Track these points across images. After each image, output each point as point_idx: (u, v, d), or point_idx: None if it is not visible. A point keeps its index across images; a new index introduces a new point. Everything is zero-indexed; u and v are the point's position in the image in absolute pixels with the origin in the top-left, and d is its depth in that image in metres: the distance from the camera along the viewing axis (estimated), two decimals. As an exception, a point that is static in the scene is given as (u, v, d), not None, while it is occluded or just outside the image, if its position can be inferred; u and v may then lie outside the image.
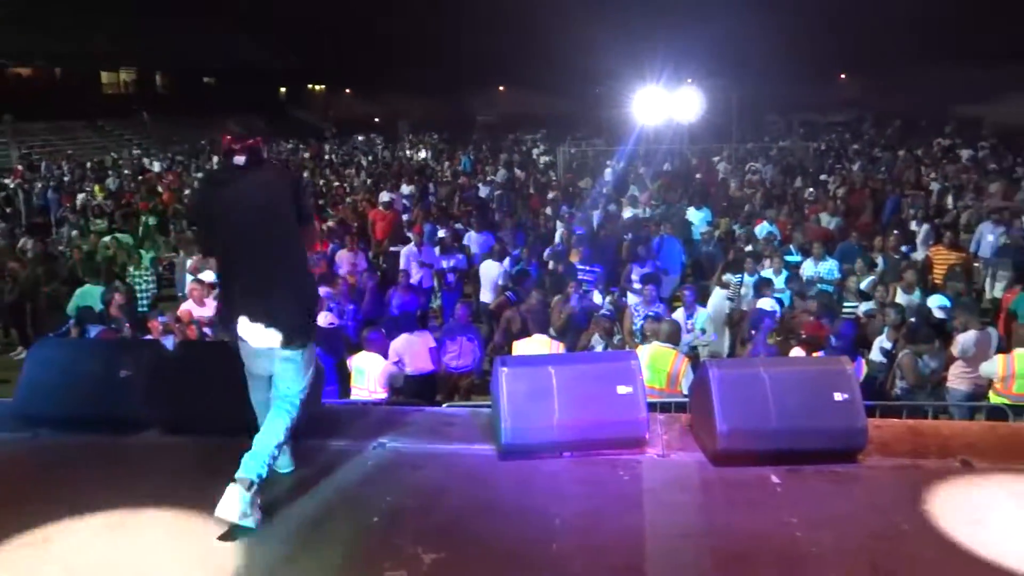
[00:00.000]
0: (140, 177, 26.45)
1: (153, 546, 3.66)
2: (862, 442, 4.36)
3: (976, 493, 4.07)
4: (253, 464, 3.75)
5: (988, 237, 12.25)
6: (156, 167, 29.84)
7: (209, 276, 9.56)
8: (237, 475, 3.69)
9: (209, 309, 9.46)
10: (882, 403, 6.73)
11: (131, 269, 12.08)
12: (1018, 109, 33.05)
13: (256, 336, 3.94)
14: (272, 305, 3.90)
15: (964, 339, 7.60)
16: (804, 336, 7.87)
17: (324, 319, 9.06)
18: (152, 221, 17.18)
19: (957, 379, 7.62)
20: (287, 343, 3.94)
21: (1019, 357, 7.01)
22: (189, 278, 11.04)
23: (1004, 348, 7.59)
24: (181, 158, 33.75)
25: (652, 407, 5.89)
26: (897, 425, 5.05)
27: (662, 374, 7.12)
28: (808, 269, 10.65)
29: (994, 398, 7.10)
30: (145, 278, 11.98)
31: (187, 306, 9.47)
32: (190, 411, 4.78)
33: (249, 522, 3.65)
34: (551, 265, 11.74)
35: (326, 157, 34.73)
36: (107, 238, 14.36)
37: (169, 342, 7.62)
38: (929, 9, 43.54)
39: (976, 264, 12.09)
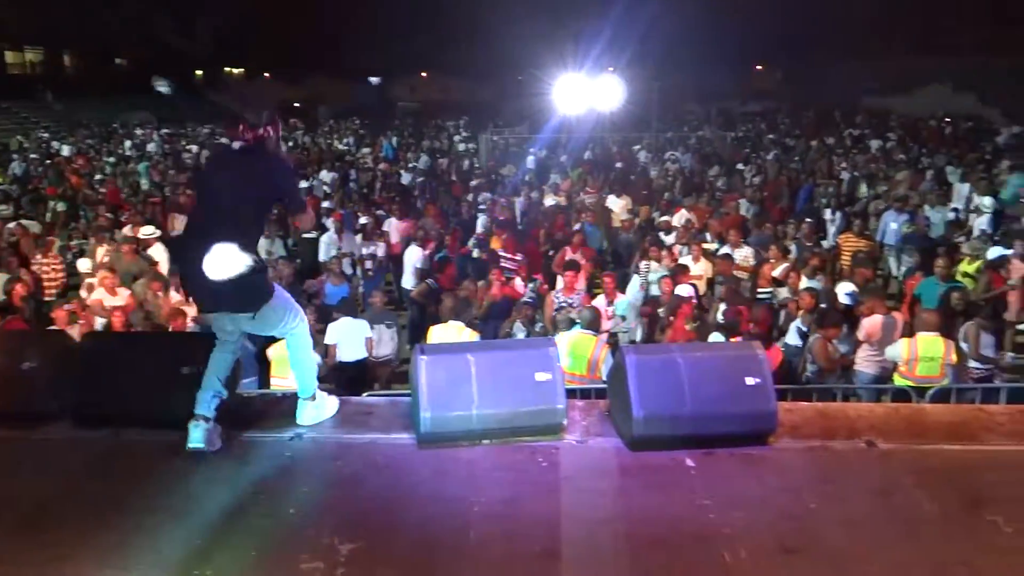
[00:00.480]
0: (48, 161, 25.42)
1: (62, 540, 3.55)
2: (773, 425, 4.48)
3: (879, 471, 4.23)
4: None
5: (892, 225, 12.71)
6: (65, 151, 28.71)
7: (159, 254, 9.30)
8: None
9: (121, 298, 9.19)
10: (793, 387, 6.93)
11: (38, 256, 11.63)
12: (923, 101, 34.32)
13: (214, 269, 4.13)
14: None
15: (869, 323, 7.87)
16: (722, 321, 8.06)
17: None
18: (61, 207, 16.58)
19: (864, 362, 7.89)
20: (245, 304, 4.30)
21: (922, 341, 7.29)
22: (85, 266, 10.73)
23: (909, 332, 7.88)
24: (92, 142, 32.55)
25: (573, 393, 5.97)
26: (806, 408, 5.20)
27: (583, 361, 7.19)
28: (724, 256, 10.85)
29: (899, 380, 7.37)
30: (53, 266, 11.55)
31: (98, 295, 9.18)
32: (98, 403, 4.64)
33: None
34: (474, 253, 11.75)
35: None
36: (12, 224, 13.80)
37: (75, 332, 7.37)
38: (842, 4, 44.83)
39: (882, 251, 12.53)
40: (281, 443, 4.56)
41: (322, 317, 8.84)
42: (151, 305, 9.11)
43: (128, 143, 31.63)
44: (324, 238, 12.24)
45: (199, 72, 59.13)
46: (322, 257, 11.94)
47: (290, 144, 33.57)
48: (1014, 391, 6.61)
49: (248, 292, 4.25)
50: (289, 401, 4.88)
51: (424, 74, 60.88)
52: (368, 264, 11.82)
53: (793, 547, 3.52)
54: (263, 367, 7.79)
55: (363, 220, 13.65)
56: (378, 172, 22.97)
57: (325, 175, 20.99)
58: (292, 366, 4.71)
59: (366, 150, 30.03)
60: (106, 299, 9.03)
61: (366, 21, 51.80)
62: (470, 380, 4.43)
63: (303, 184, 18.18)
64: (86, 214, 16.30)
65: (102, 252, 11.22)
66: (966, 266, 10.33)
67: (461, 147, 30.68)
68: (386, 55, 53.67)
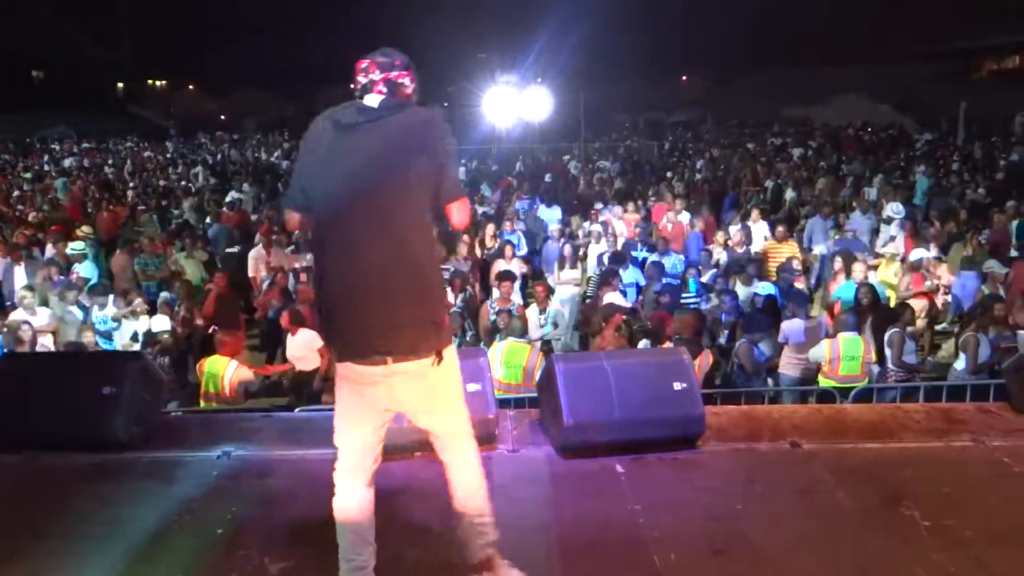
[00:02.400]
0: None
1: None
2: (700, 429, 4.57)
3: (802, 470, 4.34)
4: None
5: (817, 231, 13.06)
6: (-20, 167, 27.76)
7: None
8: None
9: (43, 318, 8.92)
10: (720, 391, 7.06)
11: (-50, 275, 11.17)
12: (842, 110, 35.39)
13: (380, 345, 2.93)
14: (403, 299, 2.88)
15: (789, 327, 8.06)
16: (651, 328, 8.17)
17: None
18: (-24, 224, 15.97)
19: (787, 365, 8.07)
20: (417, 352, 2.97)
21: (843, 341, 7.49)
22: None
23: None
24: (7, 157, 31.53)
25: (508, 403, 6.00)
26: (732, 411, 5.31)
27: (518, 369, 7.21)
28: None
29: (823, 381, 7.56)
30: (-35, 286, 11.11)
31: (18, 315, 8.88)
32: (15, 426, 4.49)
33: None
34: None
35: (169, 156, 33.24)
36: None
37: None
38: (763, 17, 46.08)
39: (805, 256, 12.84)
40: (208, 462, 4.48)
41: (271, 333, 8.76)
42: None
43: (47, 158, 30.70)
44: (252, 253, 12.03)
45: (120, 84, 57.81)
46: (251, 272, 11.74)
47: (218, 157, 33.06)
48: (931, 389, 6.84)
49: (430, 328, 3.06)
50: (217, 419, 4.81)
51: (352, 86, 60.45)
52: (303, 277, 11.67)
53: (721, 548, 3.60)
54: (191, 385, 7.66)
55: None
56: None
57: (248, 188, 20.62)
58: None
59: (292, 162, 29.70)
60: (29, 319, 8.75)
61: (292, 33, 51.32)
62: (400, 393, 4.41)
63: (231, 196, 17.91)
64: (2, 231, 15.74)
65: (20, 271, 10.86)
66: (883, 270, 10.68)
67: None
68: (315, 65, 53.15)
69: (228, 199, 17.22)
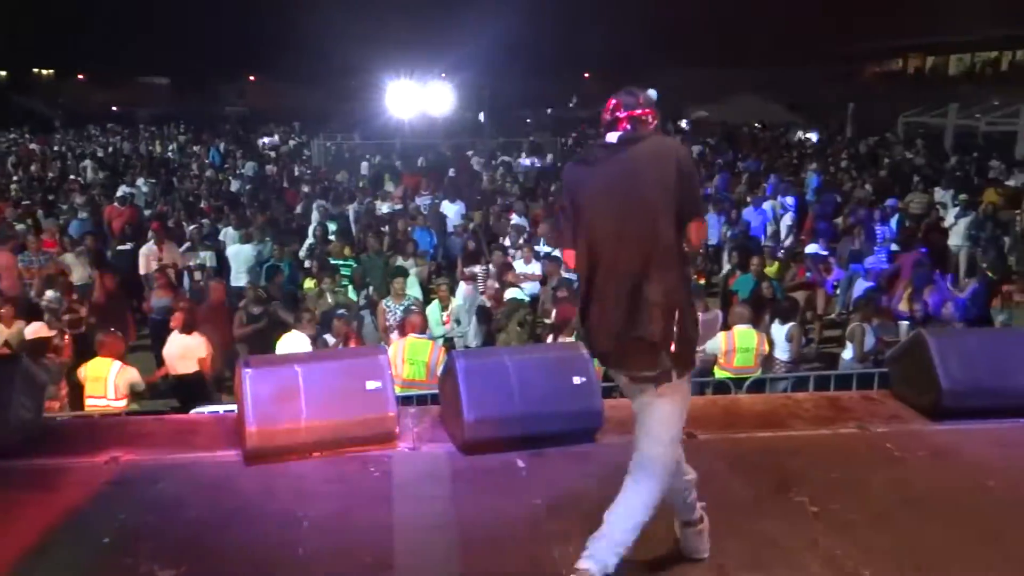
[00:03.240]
0: None
1: None
2: (599, 422, 4.62)
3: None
4: (602, 549, 3.12)
5: (712, 225, 13.40)
6: None
7: None
8: (578, 564, 3.08)
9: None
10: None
11: None
12: (738, 109, 36.40)
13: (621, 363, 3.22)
14: (639, 321, 3.03)
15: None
16: (555, 322, 8.22)
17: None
18: None
19: (686, 357, 8.24)
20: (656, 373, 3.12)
21: (738, 333, 7.71)
22: None
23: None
24: None
25: (411, 400, 5.96)
26: (631, 404, 5.39)
27: (421, 366, 7.16)
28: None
29: (718, 373, 7.76)
30: None
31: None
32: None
33: None
34: (306, 262, 11.51)
35: (56, 149, 31.79)
36: None
37: None
38: (663, 16, 47.07)
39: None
40: (94, 468, 4.31)
41: (155, 332, 8.39)
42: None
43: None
44: (143, 249, 11.61)
45: (3, 73, 55.01)
46: (142, 270, 11.34)
47: (109, 150, 31.81)
48: (821, 379, 7.09)
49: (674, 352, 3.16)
50: (103, 423, 4.62)
51: (252, 78, 59.05)
52: (197, 275, 11.34)
53: (619, 539, 3.64)
54: (75, 388, 7.32)
55: (189, 229, 13.12)
56: (205, 180, 22.10)
57: (144, 183, 19.90)
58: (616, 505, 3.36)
59: (192, 157, 28.81)
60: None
61: (189, 22, 49.70)
62: (298, 392, 4.33)
63: (123, 191, 17.27)
64: None
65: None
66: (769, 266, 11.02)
67: (279, 151, 29.82)
68: (211, 57, 51.67)
69: (119, 194, 16.57)
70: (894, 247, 11.81)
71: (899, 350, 5.60)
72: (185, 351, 7.97)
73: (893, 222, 13.18)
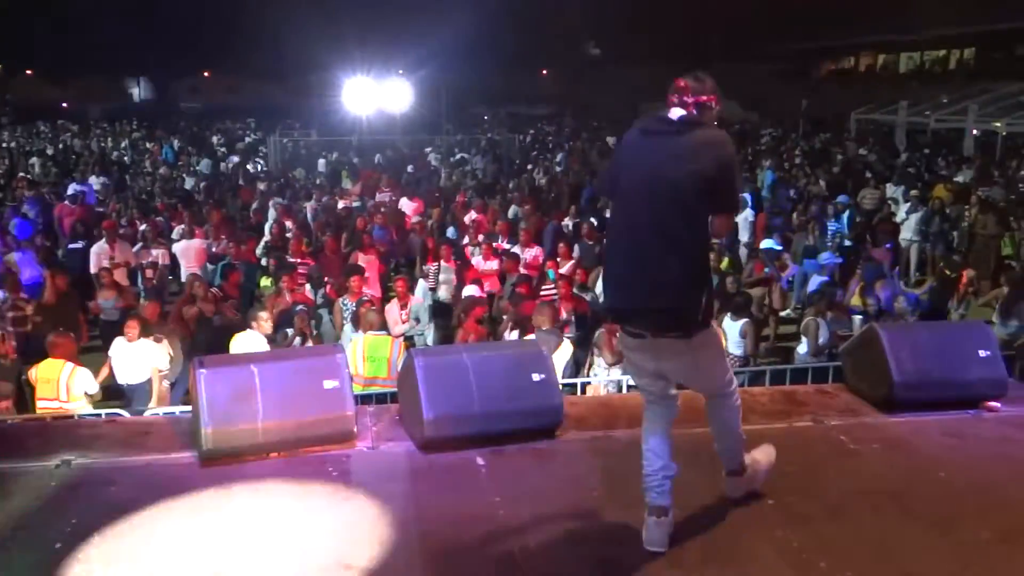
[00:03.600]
0: None
1: None
2: (559, 419, 4.63)
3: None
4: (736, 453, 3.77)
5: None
6: None
7: None
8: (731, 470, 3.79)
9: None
10: (582, 380, 7.18)
11: None
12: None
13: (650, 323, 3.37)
14: (668, 288, 3.27)
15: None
16: (519, 318, 8.21)
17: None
18: None
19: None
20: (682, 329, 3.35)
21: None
22: None
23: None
24: None
25: (371, 398, 5.93)
26: (590, 400, 5.44)
27: (382, 362, 7.12)
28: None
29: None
30: None
31: None
32: None
33: None
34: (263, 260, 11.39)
35: (3, 145, 31.08)
36: None
37: None
38: (618, 14, 47.35)
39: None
40: (46, 472, 4.21)
41: (105, 334, 8.23)
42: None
43: None
44: (94, 248, 11.40)
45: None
46: (93, 269, 11.13)
47: (59, 146, 31.19)
48: (776, 373, 7.17)
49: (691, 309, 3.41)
50: (55, 426, 4.52)
51: (207, 73, 58.21)
52: (149, 273, 11.17)
53: (579, 535, 3.66)
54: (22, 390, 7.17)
55: (142, 227, 12.92)
56: (158, 177, 21.77)
57: (95, 180, 19.53)
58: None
59: (145, 154, 28.32)
60: None
61: (139, 16, 48.80)
62: (254, 391, 4.28)
63: (73, 189, 16.93)
64: None
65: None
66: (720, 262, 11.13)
67: (236, 146, 29.47)
68: (164, 51, 50.83)
69: (70, 192, 16.25)
70: (846, 242, 12.01)
71: (852, 344, 5.69)
72: (135, 359, 7.75)
73: (845, 218, 13.40)
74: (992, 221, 12.98)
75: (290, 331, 7.88)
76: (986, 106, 24.69)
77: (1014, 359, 5.81)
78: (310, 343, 8.01)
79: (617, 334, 8.03)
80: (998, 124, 23.42)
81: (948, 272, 10.78)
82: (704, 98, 3.33)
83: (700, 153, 3.21)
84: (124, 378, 7.66)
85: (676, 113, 3.31)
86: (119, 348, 7.70)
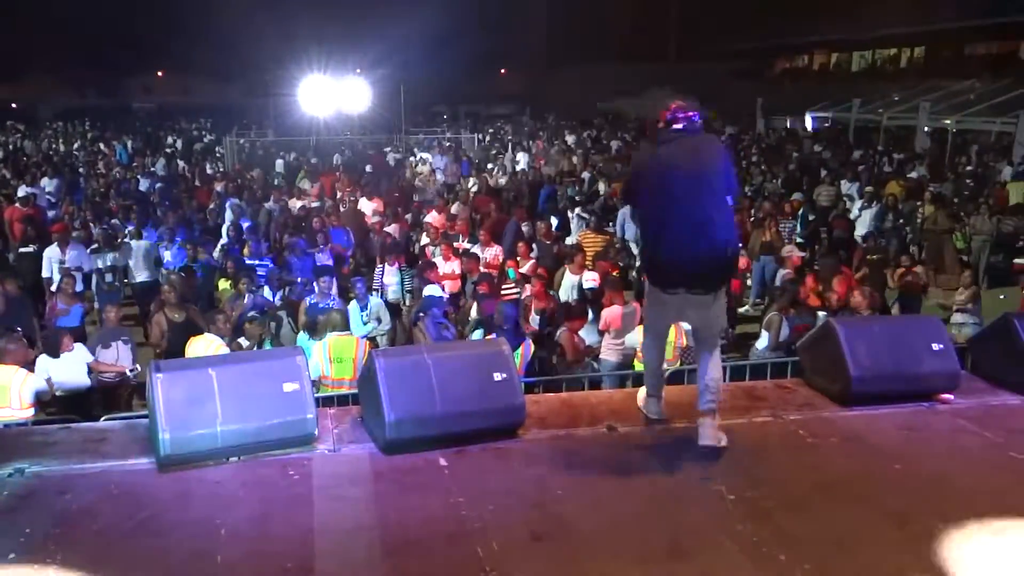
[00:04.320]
0: None
1: None
2: (521, 418, 4.63)
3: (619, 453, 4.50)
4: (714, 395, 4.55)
5: (629, 219, 13.56)
6: None
7: None
8: (703, 408, 4.53)
9: None
10: (543, 378, 7.20)
11: None
12: (650, 104, 37.02)
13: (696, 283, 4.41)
14: (714, 257, 4.32)
15: (609, 313, 8.34)
16: (484, 318, 8.20)
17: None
18: None
19: (607, 351, 8.35)
20: (717, 288, 4.50)
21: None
22: None
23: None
24: None
25: (332, 400, 5.87)
26: (552, 399, 5.44)
27: (348, 363, 7.04)
28: (475, 255, 11.07)
29: (638, 366, 7.85)
30: None
31: None
32: None
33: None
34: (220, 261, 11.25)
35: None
36: None
37: None
38: (575, 13, 47.56)
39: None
40: (-2, 481, 4.12)
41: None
42: None
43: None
44: (48, 252, 11.15)
45: None
46: (45, 273, 10.89)
47: (10, 148, 30.52)
48: (736, 368, 7.25)
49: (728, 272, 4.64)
50: (7, 433, 4.42)
51: (160, 73, 57.35)
52: (108, 277, 10.99)
53: (542, 534, 3.66)
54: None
55: (96, 230, 12.68)
56: (112, 178, 21.40)
57: (47, 183, 19.13)
58: (706, 370, 4.63)
59: (98, 155, 27.82)
60: None
61: (94, 14, 47.91)
62: (213, 395, 4.22)
63: (24, 191, 16.55)
64: None
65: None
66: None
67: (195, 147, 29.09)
68: (116, 51, 49.95)
69: (21, 193, 15.89)
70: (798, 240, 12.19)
71: (809, 339, 5.76)
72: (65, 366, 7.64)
73: (799, 215, 13.61)
74: (943, 216, 13.25)
75: (244, 341, 7.75)
76: (937, 103, 25.18)
77: (965, 352, 5.91)
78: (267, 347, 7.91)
79: (579, 332, 8.11)
80: (948, 121, 23.89)
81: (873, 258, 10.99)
82: (692, 114, 4.35)
83: (709, 151, 4.39)
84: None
85: (679, 126, 4.34)
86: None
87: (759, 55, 46.56)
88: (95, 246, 11.65)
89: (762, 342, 8.42)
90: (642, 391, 5.03)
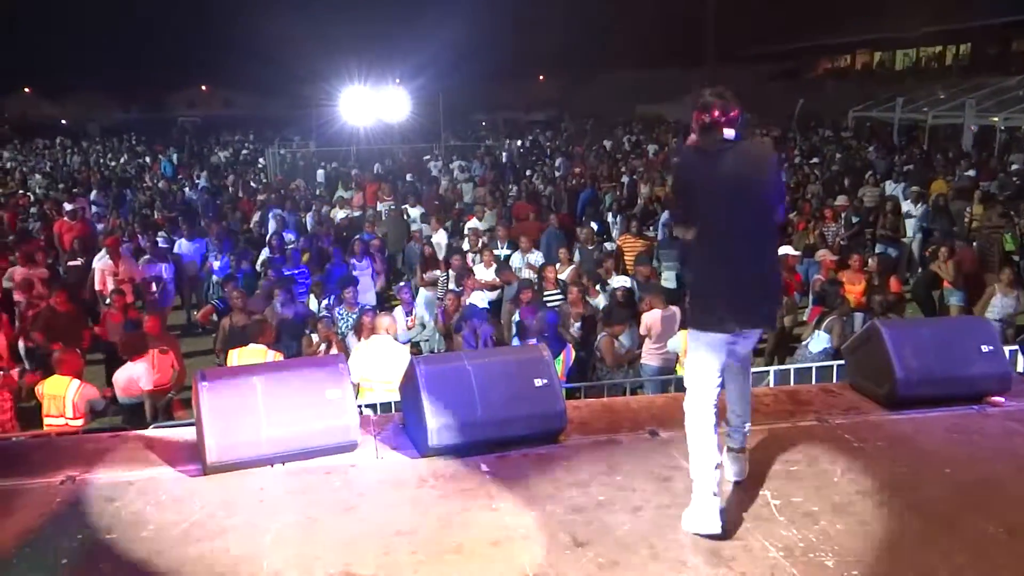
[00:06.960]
0: None
1: None
2: (562, 423, 4.63)
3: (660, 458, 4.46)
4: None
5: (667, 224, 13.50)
6: None
7: None
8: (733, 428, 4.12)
9: None
10: (585, 384, 7.18)
11: None
12: (690, 108, 36.80)
13: (750, 318, 3.81)
14: (766, 283, 3.85)
15: (649, 318, 8.29)
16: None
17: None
18: None
19: (648, 356, 8.30)
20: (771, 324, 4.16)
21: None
22: None
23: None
24: None
25: (374, 407, 5.90)
26: (594, 404, 5.41)
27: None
28: (516, 261, 11.09)
29: (680, 371, 7.80)
30: None
31: None
32: None
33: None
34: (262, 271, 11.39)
35: (5, 165, 31.10)
36: None
37: None
38: (614, 20, 47.47)
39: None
40: (51, 488, 4.21)
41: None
42: None
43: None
44: (98, 264, 11.37)
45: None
46: (96, 285, 11.12)
47: (61, 163, 31.22)
48: (780, 373, 7.16)
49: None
50: (59, 442, 4.52)
51: (205, 87, 58.38)
52: (153, 287, 11.18)
53: (584, 540, 3.65)
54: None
55: (143, 242, 12.93)
56: (157, 191, 21.80)
57: (96, 196, 19.55)
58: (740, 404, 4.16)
59: (145, 169, 28.34)
60: None
61: (139, 31, 49.00)
62: (257, 404, 4.28)
63: (68, 206, 16.92)
64: None
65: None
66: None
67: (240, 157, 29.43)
68: (163, 67, 50.98)
69: (68, 208, 16.24)
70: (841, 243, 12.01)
71: (855, 342, 5.68)
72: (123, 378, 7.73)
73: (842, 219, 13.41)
74: (995, 215, 12.94)
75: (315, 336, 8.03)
76: (983, 101, 24.68)
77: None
78: (335, 350, 7.95)
79: (619, 337, 8.06)
80: (996, 119, 23.40)
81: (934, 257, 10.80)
82: (733, 115, 3.67)
83: (759, 159, 3.76)
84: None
85: (730, 132, 3.67)
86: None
87: (799, 56, 46.08)
88: (146, 257, 11.87)
89: (815, 345, 8.23)
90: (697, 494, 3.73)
